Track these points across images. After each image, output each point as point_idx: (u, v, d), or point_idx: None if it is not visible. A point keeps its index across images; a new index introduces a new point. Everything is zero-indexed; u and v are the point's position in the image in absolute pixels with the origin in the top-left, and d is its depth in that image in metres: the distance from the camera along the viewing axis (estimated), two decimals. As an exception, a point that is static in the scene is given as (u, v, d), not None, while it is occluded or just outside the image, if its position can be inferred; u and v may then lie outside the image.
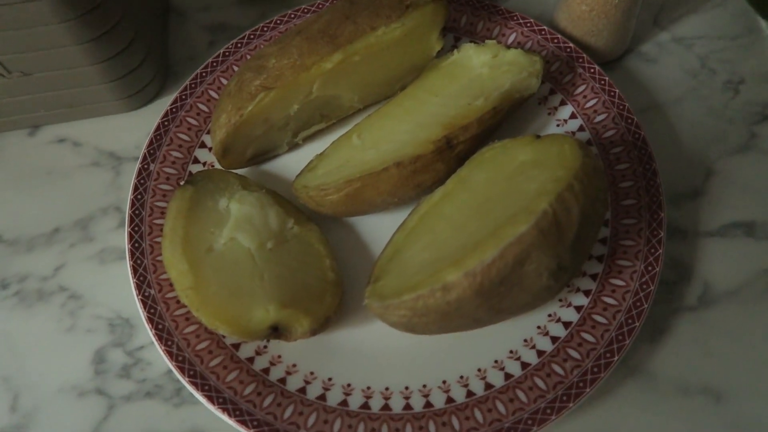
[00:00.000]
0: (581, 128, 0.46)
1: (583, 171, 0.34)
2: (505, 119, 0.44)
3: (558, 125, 0.47)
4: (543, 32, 0.49)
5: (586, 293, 0.40)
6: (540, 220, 0.32)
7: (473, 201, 0.38)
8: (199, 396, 0.37)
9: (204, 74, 0.49)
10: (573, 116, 0.46)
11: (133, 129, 0.51)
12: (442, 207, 0.39)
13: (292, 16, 0.52)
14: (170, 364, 0.38)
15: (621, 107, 0.45)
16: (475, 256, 0.32)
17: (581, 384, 0.37)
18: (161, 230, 0.42)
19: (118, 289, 0.44)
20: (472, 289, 0.32)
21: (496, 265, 0.32)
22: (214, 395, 0.37)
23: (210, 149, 0.47)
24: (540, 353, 0.38)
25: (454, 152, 0.41)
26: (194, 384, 0.37)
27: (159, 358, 0.42)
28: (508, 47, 0.45)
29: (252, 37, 0.50)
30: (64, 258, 0.46)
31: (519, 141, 0.39)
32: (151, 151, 0.45)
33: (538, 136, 0.39)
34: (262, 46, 0.50)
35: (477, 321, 0.35)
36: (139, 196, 0.43)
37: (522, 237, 0.32)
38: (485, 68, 0.44)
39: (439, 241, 0.37)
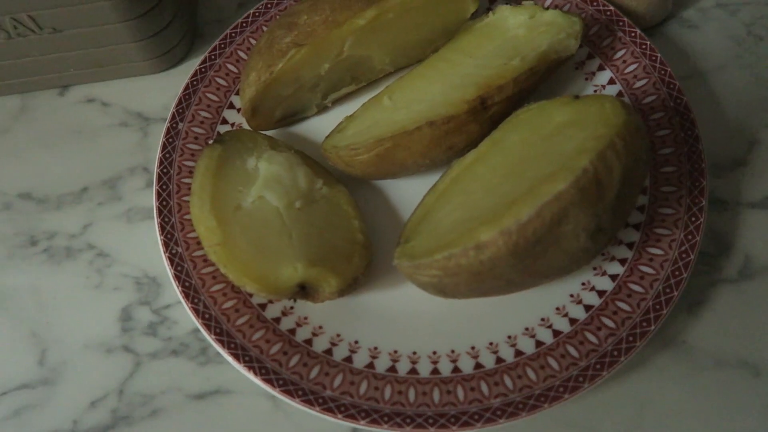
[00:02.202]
0: (620, 94, 0.44)
1: (626, 129, 0.32)
2: (541, 82, 0.42)
3: (596, 90, 0.45)
4: (582, -6, 0.48)
5: (622, 262, 0.39)
6: (580, 177, 0.31)
7: (508, 162, 0.37)
8: (225, 354, 0.37)
9: (233, 35, 0.48)
10: (612, 82, 0.45)
11: (161, 90, 0.51)
12: (475, 168, 0.38)
13: (323, -24, 0.50)
14: (197, 322, 0.38)
15: (663, 72, 0.44)
16: (511, 214, 0.31)
17: (615, 353, 0.36)
18: (189, 189, 0.42)
19: (145, 248, 0.44)
20: (507, 249, 0.31)
21: (533, 224, 0.31)
22: (240, 353, 0.37)
23: (239, 110, 0.46)
24: (573, 321, 0.37)
25: (488, 113, 0.40)
26: (221, 342, 0.37)
27: (185, 317, 0.41)
28: (546, 8, 0.43)
29: (282, -3, 0.49)
30: (92, 216, 0.46)
31: (556, 102, 0.38)
32: (180, 111, 0.45)
33: (577, 97, 0.37)
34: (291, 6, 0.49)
35: (509, 283, 0.34)
36: (167, 155, 0.43)
37: (560, 195, 0.31)
38: (522, 29, 0.43)
39: (472, 201, 0.36)
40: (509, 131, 0.39)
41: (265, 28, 0.48)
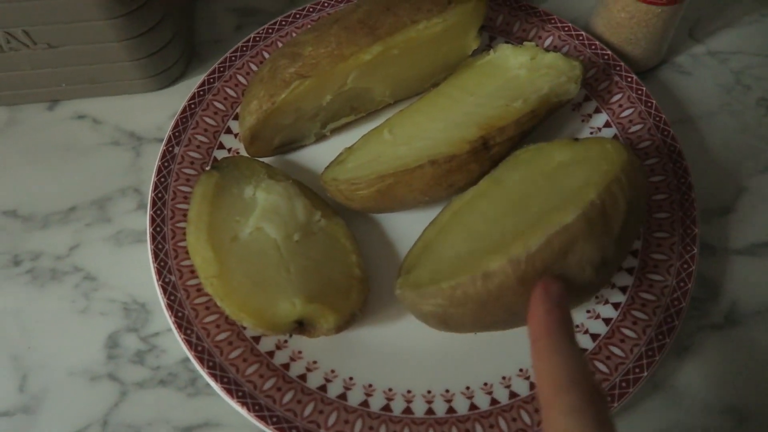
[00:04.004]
0: (615, 137, 0.45)
1: (630, 165, 0.34)
2: (540, 123, 0.43)
3: (592, 132, 0.46)
4: (580, 37, 0.48)
5: (615, 306, 0.39)
6: (588, 210, 0.32)
7: (509, 198, 0.37)
8: (218, 388, 0.36)
9: (233, 58, 0.47)
10: (608, 125, 0.46)
11: (155, 109, 0.50)
12: (476, 204, 0.38)
13: (325, 4, 0.50)
14: (189, 354, 0.37)
15: (657, 119, 0.45)
16: (519, 243, 0.32)
17: (609, 398, 0.36)
18: (184, 215, 0.41)
19: (135, 273, 0.43)
20: (515, 277, 0.31)
21: (541, 254, 0.31)
22: (233, 388, 0.36)
23: (236, 135, 0.45)
24: (566, 364, 0.38)
25: (489, 153, 0.40)
26: (213, 375, 0.36)
27: (174, 346, 0.41)
28: (546, 50, 0.44)
29: (284, 23, 0.49)
30: (80, 237, 0.44)
31: (556, 143, 0.38)
32: (176, 134, 0.44)
33: (576, 139, 0.38)
34: (293, 34, 0.49)
35: (513, 316, 0.34)
36: (162, 179, 0.42)
37: (569, 226, 0.31)
38: (523, 70, 0.43)
39: (475, 234, 0.36)
40: (509, 170, 0.39)
41: (265, 54, 0.48)
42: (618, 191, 0.33)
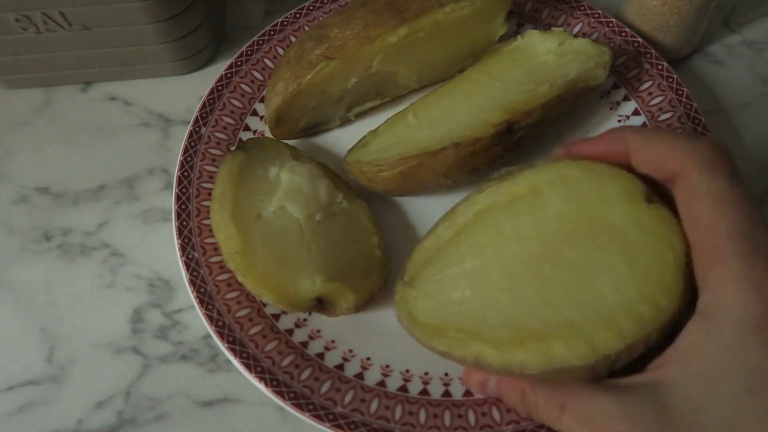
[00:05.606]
0: (644, 125, 0.44)
1: (673, 316, 0.29)
2: (567, 109, 0.42)
3: (619, 121, 0.45)
4: (610, 24, 0.48)
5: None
6: (599, 362, 0.29)
7: (539, 245, 0.31)
8: (237, 363, 0.36)
9: (261, 42, 0.48)
10: (636, 113, 0.45)
11: (184, 93, 0.51)
12: (502, 221, 0.32)
13: (353, -10, 0.51)
14: (210, 329, 0.37)
15: (688, 107, 0.44)
16: (517, 357, 0.29)
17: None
18: (208, 194, 0.42)
19: (160, 250, 0.44)
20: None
21: (535, 377, 0.31)
22: (252, 363, 0.36)
23: (262, 118, 0.46)
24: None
25: (514, 137, 0.40)
26: (233, 350, 0.37)
27: (196, 323, 0.41)
28: (575, 36, 0.43)
29: (311, 8, 0.50)
30: (109, 215, 0.45)
31: (625, 191, 0.31)
32: (204, 115, 0.45)
33: (651, 201, 0.31)
34: (321, 19, 0.49)
35: None
36: (188, 158, 0.43)
37: (571, 368, 0.29)
38: (550, 55, 0.43)
39: (487, 285, 0.31)
40: (555, 187, 0.32)
41: (293, 38, 0.48)
42: (640, 347, 0.29)
